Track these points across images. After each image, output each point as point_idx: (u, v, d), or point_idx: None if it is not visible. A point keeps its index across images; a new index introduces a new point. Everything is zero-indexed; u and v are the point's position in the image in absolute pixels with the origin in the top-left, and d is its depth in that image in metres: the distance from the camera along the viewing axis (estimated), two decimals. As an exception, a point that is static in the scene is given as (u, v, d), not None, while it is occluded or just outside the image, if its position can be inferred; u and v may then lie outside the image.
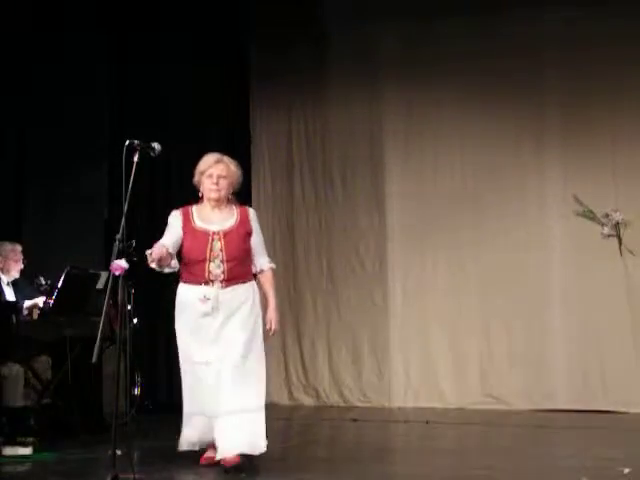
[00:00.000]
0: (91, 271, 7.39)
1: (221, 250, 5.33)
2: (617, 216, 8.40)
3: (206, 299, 5.33)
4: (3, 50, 8.41)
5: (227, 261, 5.32)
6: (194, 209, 5.49)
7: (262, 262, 5.56)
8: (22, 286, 7.39)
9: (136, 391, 8.18)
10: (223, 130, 9.52)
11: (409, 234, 9.19)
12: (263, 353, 5.47)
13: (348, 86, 9.39)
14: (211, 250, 5.34)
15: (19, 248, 7.39)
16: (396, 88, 9.24)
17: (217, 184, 5.42)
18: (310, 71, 9.47)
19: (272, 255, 6.05)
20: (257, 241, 5.54)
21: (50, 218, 8.80)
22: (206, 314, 5.35)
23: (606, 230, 8.44)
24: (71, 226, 8.73)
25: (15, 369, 6.82)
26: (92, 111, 9.03)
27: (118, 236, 4.89)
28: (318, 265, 9.43)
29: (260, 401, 5.35)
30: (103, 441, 6.15)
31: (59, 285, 7.04)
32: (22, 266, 7.41)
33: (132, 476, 4.74)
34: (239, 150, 9.53)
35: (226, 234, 5.38)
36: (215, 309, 5.33)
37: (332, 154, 9.49)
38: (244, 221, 5.49)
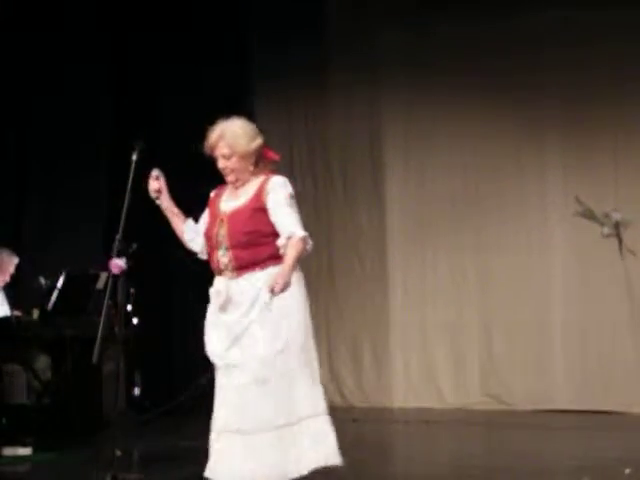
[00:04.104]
0: (91, 271, 7.39)
1: (225, 235, 4.56)
2: (617, 216, 8.40)
3: (219, 291, 4.63)
4: (3, 50, 8.42)
5: (231, 247, 4.53)
6: (229, 187, 4.73)
7: (286, 233, 4.46)
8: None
9: (136, 391, 8.18)
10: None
11: (409, 234, 9.19)
12: (298, 357, 4.54)
13: (348, 86, 9.39)
14: (217, 236, 4.60)
15: (6, 258, 7.35)
16: (396, 88, 9.23)
17: (224, 167, 4.67)
18: (310, 71, 9.46)
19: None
20: (276, 212, 4.51)
21: (50, 218, 8.80)
22: (221, 308, 4.60)
23: (606, 230, 8.44)
24: (71, 226, 8.73)
25: (15, 369, 6.83)
26: (92, 111, 9.03)
27: (118, 236, 4.89)
28: (318, 265, 9.42)
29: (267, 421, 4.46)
30: (103, 441, 6.17)
31: (59, 285, 7.04)
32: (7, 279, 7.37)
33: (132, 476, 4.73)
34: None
35: (231, 216, 4.59)
36: (228, 303, 4.58)
37: (332, 154, 9.48)
38: (258, 195, 4.58)
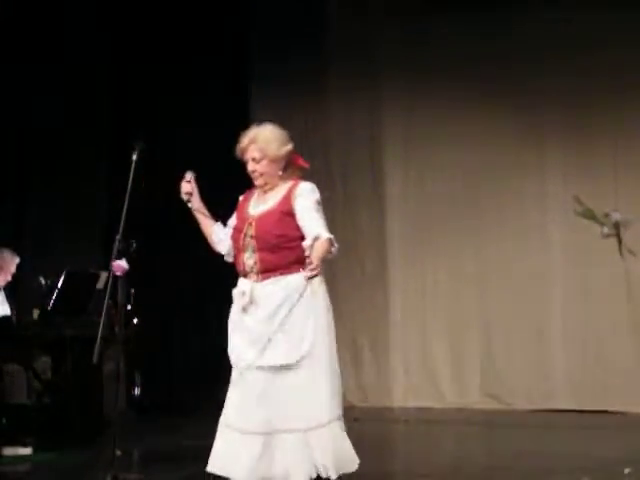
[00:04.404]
0: (91, 271, 7.39)
1: (252, 237, 4.62)
2: (617, 216, 8.40)
3: (243, 293, 4.63)
4: (3, 50, 8.42)
5: (258, 250, 4.59)
6: (257, 191, 4.82)
7: (312, 234, 4.49)
8: None
9: (136, 391, 8.18)
10: (223, 130, 9.52)
11: (409, 235, 9.19)
12: (321, 361, 4.54)
13: (348, 88, 9.39)
14: (244, 238, 4.66)
15: (8, 258, 7.36)
16: (396, 90, 9.23)
17: (254, 171, 4.75)
18: (310, 73, 9.46)
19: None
20: (304, 216, 4.60)
21: (50, 218, 8.79)
22: (244, 310, 4.61)
23: (606, 230, 8.44)
24: (71, 226, 8.73)
25: (15, 369, 6.83)
26: (92, 111, 9.03)
27: (118, 236, 4.89)
28: (318, 265, 9.41)
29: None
30: (103, 441, 6.17)
31: (59, 285, 7.05)
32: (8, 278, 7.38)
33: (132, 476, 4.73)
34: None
35: (258, 219, 4.66)
36: (251, 305, 4.59)
37: (332, 156, 9.48)
38: (286, 200, 4.66)
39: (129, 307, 8.01)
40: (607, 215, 8.44)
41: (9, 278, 7.35)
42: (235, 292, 4.69)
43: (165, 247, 9.15)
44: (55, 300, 7.05)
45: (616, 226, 8.41)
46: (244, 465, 4.50)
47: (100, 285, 7.27)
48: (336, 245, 4.48)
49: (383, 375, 9.20)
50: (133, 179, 4.98)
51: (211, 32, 9.38)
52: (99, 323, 4.79)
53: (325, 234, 4.47)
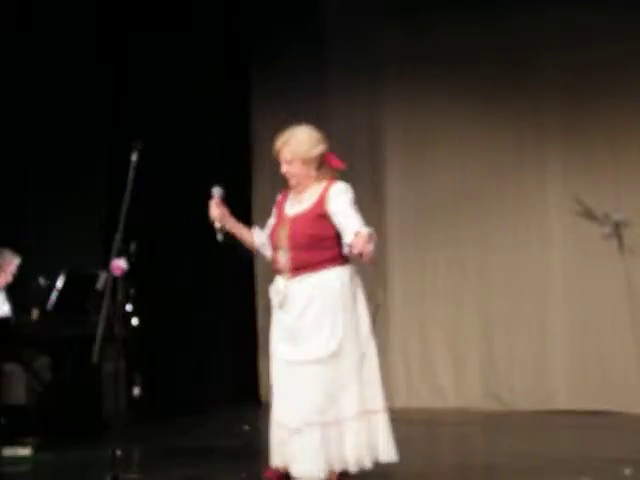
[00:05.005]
0: (91, 271, 7.39)
1: (286, 237, 4.79)
2: (617, 216, 8.40)
3: (278, 290, 4.82)
4: (3, 50, 8.42)
5: (291, 249, 4.76)
6: (293, 191, 4.97)
7: (353, 230, 4.65)
8: None
9: (136, 391, 8.18)
10: (223, 130, 9.53)
11: (409, 234, 9.18)
12: (350, 356, 4.74)
13: (348, 86, 9.38)
14: (278, 237, 4.83)
15: (7, 258, 7.36)
16: (396, 87, 9.22)
17: (287, 172, 4.90)
18: (310, 72, 9.46)
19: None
20: (341, 215, 4.79)
21: (50, 218, 8.79)
22: (280, 306, 4.80)
23: (606, 230, 8.44)
24: (71, 226, 8.73)
25: (15, 369, 6.83)
26: (92, 111, 9.03)
27: (118, 236, 4.89)
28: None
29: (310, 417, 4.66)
30: (103, 441, 6.17)
31: (59, 285, 7.04)
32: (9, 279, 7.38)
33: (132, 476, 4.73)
34: (239, 151, 9.57)
35: (294, 219, 4.83)
36: (285, 301, 4.77)
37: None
38: (321, 201, 4.83)
39: (129, 307, 8.02)
40: (607, 215, 8.44)
41: (9, 278, 7.36)
42: (271, 289, 4.88)
43: (165, 247, 9.14)
44: (55, 300, 7.05)
45: (616, 226, 8.41)
46: (293, 458, 4.67)
47: (100, 285, 7.27)
48: (376, 239, 4.59)
49: (383, 375, 9.16)
50: (133, 179, 4.98)
51: (210, 30, 9.37)
52: (99, 323, 4.79)
53: (365, 228, 4.60)
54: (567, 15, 8.48)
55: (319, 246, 4.77)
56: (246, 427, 7.60)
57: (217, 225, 4.84)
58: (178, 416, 8.40)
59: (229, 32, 9.65)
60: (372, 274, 9.31)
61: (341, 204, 4.81)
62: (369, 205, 9.31)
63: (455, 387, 8.92)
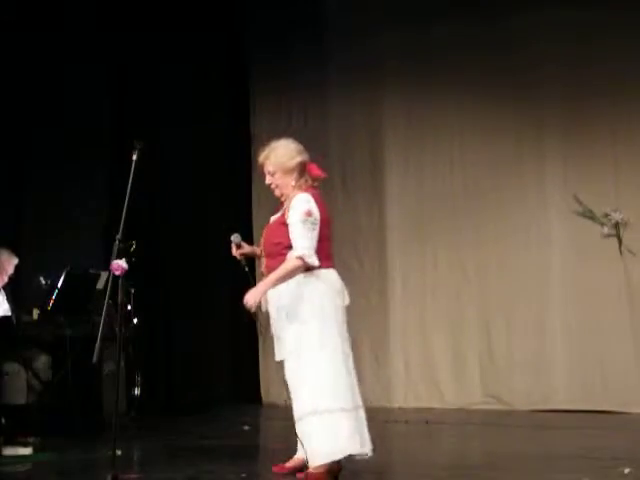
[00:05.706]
0: (91, 271, 7.39)
1: (261, 245, 5.23)
2: (617, 216, 8.40)
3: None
4: (3, 51, 8.42)
5: (265, 256, 5.19)
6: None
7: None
8: None
9: (136, 391, 8.18)
10: (223, 130, 9.54)
11: (409, 233, 9.19)
12: (308, 356, 5.08)
13: (348, 86, 9.39)
14: (260, 245, 5.27)
15: (5, 259, 7.36)
16: (396, 87, 9.23)
17: (270, 183, 5.18)
18: (311, 70, 9.47)
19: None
20: (290, 229, 5.01)
21: (50, 218, 8.80)
22: (262, 309, 5.14)
23: (606, 230, 8.44)
24: (71, 226, 8.73)
25: (15, 369, 6.83)
26: (92, 111, 9.03)
27: (118, 236, 4.90)
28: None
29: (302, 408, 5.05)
30: (103, 441, 6.17)
31: (59, 285, 7.05)
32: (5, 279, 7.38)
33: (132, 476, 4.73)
34: (239, 150, 9.57)
35: (267, 227, 5.23)
36: (267, 305, 5.13)
37: (332, 154, 9.47)
38: (285, 211, 5.09)
39: (129, 307, 8.02)
40: (607, 215, 8.44)
41: (6, 279, 7.36)
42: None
43: (165, 247, 9.15)
44: (55, 300, 7.05)
45: (616, 226, 8.41)
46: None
47: (100, 285, 7.28)
48: (310, 260, 4.88)
49: (383, 375, 9.20)
50: (133, 179, 4.98)
51: (210, 30, 9.38)
52: (99, 323, 4.80)
53: (297, 251, 4.90)
54: (567, 12, 8.48)
55: (283, 253, 5.01)
56: (246, 427, 7.61)
57: (242, 262, 5.27)
58: (178, 416, 8.40)
59: (229, 32, 9.65)
60: (372, 274, 9.34)
61: (292, 217, 4.99)
62: (369, 204, 9.35)
63: (455, 387, 8.92)
